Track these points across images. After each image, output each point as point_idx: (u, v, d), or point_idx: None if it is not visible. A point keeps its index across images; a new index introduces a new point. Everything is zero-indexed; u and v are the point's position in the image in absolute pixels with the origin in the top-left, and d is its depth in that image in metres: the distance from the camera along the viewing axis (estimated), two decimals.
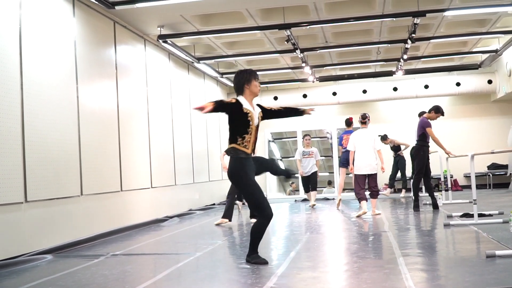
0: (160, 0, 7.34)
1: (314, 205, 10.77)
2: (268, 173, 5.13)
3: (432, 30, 10.13)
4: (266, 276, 4.14)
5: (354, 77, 13.70)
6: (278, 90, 14.60)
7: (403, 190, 12.74)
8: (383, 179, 14.41)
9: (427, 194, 9.24)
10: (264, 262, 4.57)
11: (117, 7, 7.38)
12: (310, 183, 11.00)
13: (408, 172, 12.17)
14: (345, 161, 10.70)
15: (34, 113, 5.87)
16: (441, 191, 10.53)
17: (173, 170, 10.21)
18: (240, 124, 4.59)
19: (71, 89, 6.75)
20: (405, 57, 11.20)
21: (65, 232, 6.35)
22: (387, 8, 8.51)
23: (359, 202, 8.58)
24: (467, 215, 7.24)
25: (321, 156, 14.50)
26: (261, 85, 8.51)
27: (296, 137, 14.40)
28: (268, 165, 5.01)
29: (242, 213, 10.04)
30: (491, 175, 13.68)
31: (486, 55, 12.40)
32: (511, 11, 8.87)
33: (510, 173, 12.65)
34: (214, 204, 12.20)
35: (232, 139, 4.61)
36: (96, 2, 7.04)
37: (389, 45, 10.68)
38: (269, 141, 15.04)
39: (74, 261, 5.37)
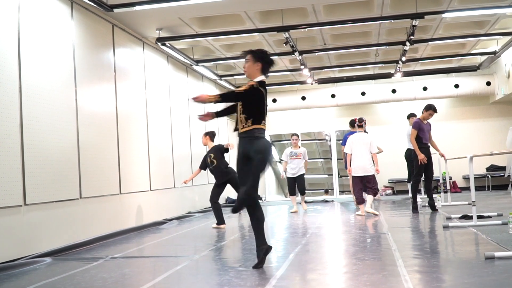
0: (159, 3, 7.34)
1: (303, 209, 10.40)
2: (266, 175, 5.10)
3: (430, 32, 10.14)
4: (265, 278, 4.13)
5: (352, 79, 13.70)
6: (277, 92, 14.61)
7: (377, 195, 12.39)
8: (382, 181, 14.47)
9: (426, 196, 9.24)
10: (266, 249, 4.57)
11: (115, 10, 7.38)
12: (298, 186, 10.41)
13: (403, 174, 12.18)
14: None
15: (33, 116, 5.87)
16: (440, 193, 10.54)
17: (172, 172, 10.20)
18: None
19: (70, 92, 6.75)
20: (403, 59, 11.22)
21: (64, 235, 6.35)
22: (385, 10, 8.52)
23: (358, 205, 8.94)
24: (466, 217, 7.24)
25: (320, 158, 14.53)
26: None
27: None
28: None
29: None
30: (490, 176, 13.69)
31: (485, 56, 12.42)
32: (510, 12, 8.88)
33: (509, 175, 12.65)
34: None
35: None
36: (95, 5, 7.04)
37: (387, 47, 10.69)
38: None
39: (73, 264, 5.36)
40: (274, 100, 14.39)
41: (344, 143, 11.11)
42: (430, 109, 8.71)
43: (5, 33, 5.55)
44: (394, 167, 14.00)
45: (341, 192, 13.37)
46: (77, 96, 6.87)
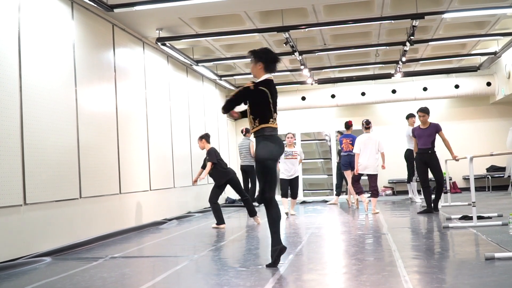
0: (159, 3, 7.34)
1: (290, 213, 9.43)
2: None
3: (430, 32, 10.14)
4: (265, 278, 4.13)
5: (352, 80, 13.70)
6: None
7: (337, 197, 12.10)
8: (382, 181, 14.46)
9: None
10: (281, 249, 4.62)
11: (115, 10, 7.38)
12: (291, 188, 9.53)
13: (403, 174, 12.19)
14: (347, 164, 10.76)
15: (33, 116, 5.87)
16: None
17: (172, 172, 10.20)
18: None
19: (70, 92, 6.74)
20: (403, 59, 11.21)
21: (64, 234, 6.35)
22: (385, 11, 8.52)
23: (358, 195, 9.63)
24: (466, 218, 7.23)
25: (320, 158, 14.53)
26: None
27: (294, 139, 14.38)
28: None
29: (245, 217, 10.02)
30: (490, 177, 13.68)
31: (485, 57, 12.41)
32: (510, 13, 8.88)
33: (509, 175, 12.65)
34: None
35: None
36: (95, 5, 7.04)
37: (387, 47, 10.69)
38: None
39: (73, 264, 5.36)
40: None
41: (340, 146, 11.22)
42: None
43: (5, 33, 5.55)
44: (394, 168, 13.99)
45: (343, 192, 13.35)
46: (77, 96, 6.87)
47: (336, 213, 9.86)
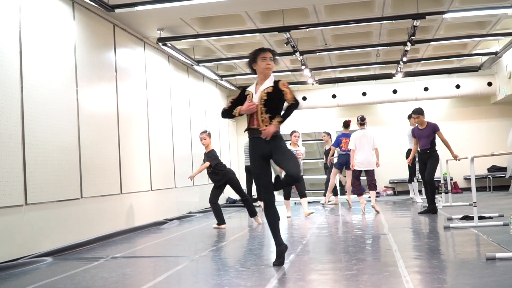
0: (160, 3, 7.34)
1: (307, 213, 9.23)
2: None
3: (431, 32, 10.14)
4: (266, 278, 4.13)
5: (353, 80, 13.70)
6: None
7: (336, 197, 12.02)
8: (383, 181, 14.46)
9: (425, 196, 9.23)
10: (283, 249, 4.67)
11: (116, 10, 7.38)
12: (298, 188, 9.38)
13: (404, 175, 12.19)
14: (343, 163, 10.79)
15: (34, 116, 5.88)
16: (441, 193, 10.52)
17: (173, 172, 10.21)
18: None
19: (71, 92, 6.75)
20: (404, 59, 11.21)
21: (65, 234, 6.35)
22: (386, 11, 8.52)
23: (358, 196, 9.54)
24: (467, 218, 7.23)
25: (320, 158, 14.52)
26: None
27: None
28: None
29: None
30: (491, 177, 13.67)
31: (486, 57, 12.40)
32: (511, 13, 8.87)
33: (510, 175, 12.64)
34: None
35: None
36: (96, 5, 7.04)
37: (388, 47, 10.69)
38: None
39: (74, 264, 5.37)
40: None
41: (336, 145, 11.24)
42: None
43: (6, 33, 5.56)
44: (395, 168, 14.00)
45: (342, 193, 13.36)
46: (78, 96, 6.87)
47: (337, 213, 9.86)
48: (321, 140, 14.82)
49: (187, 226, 8.62)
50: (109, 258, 5.63)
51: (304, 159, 10.46)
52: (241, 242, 6.63)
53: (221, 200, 12.01)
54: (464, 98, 14.25)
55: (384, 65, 12.66)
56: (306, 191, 9.67)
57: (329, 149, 11.91)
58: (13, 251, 5.45)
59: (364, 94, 14.16)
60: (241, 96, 4.80)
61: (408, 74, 13.30)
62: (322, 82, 13.79)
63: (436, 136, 8.46)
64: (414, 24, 8.58)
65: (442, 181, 10.71)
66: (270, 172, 4.75)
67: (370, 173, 9.53)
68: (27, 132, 5.71)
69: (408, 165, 11.15)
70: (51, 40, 6.36)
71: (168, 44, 9.20)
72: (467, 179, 13.94)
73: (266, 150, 4.64)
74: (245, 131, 4.82)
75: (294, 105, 4.66)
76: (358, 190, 9.58)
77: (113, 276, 4.62)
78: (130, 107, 8.44)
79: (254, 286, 3.88)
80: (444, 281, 3.85)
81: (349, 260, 4.81)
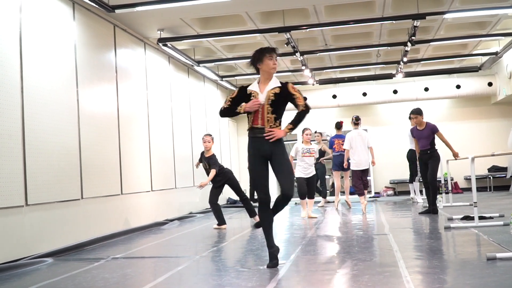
0: (160, 3, 7.35)
1: (310, 216, 8.99)
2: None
3: (432, 33, 10.14)
4: (266, 279, 4.13)
5: (354, 80, 13.71)
6: None
7: (323, 200, 12.03)
8: (384, 182, 14.46)
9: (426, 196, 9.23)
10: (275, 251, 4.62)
11: (117, 11, 7.39)
12: (308, 188, 9.11)
13: (405, 175, 12.18)
14: (339, 164, 10.81)
15: (35, 117, 5.88)
16: (441, 193, 10.52)
17: (173, 173, 10.21)
18: None
19: (72, 93, 6.75)
20: (405, 59, 11.21)
21: (66, 235, 6.35)
22: (387, 11, 8.52)
23: (359, 196, 9.70)
24: (467, 218, 7.23)
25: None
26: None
27: (296, 139, 14.38)
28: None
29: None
30: (491, 177, 13.67)
31: (486, 57, 12.41)
32: (511, 13, 8.87)
33: (511, 176, 12.63)
34: None
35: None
36: (96, 6, 7.04)
37: (389, 47, 10.69)
38: None
39: (75, 265, 5.37)
40: None
41: (330, 147, 11.27)
42: (410, 118, 9.27)
43: (7, 34, 5.56)
44: (395, 168, 14.01)
45: (342, 193, 13.33)
46: (78, 96, 6.87)
47: (337, 213, 9.86)
48: (322, 140, 14.83)
49: (188, 227, 8.62)
50: (109, 258, 5.63)
51: None
52: (242, 242, 6.63)
53: (222, 200, 12.02)
54: (465, 98, 14.25)
55: (385, 66, 12.66)
56: (315, 193, 9.59)
57: (322, 150, 11.92)
58: (14, 252, 5.45)
59: (364, 94, 14.17)
60: (241, 95, 4.75)
61: (408, 74, 13.31)
62: (323, 82, 13.79)
63: (436, 136, 8.46)
64: (415, 24, 8.58)
65: (442, 181, 10.71)
66: (267, 173, 4.70)
67: (364, 172, 9.91)
68: (27, 133, 5.72)
69: (409, 165, 11.16)
70: (51, 41, 6.37)
71: (169, 45, 9.21)
72: (468, 179, 13.94)
73: (266, 151, 4.62)
74: (248, 130, 4.80)
75: (305, 111, 4.68)
76: (359, 190, 9.75)
77: (114, 276, 4.62)
78: (130, 107, 8.44)
79: (255, 287, 3.88)
80: (445, 281, 3.85)
81: (350, 260, 4.81)
